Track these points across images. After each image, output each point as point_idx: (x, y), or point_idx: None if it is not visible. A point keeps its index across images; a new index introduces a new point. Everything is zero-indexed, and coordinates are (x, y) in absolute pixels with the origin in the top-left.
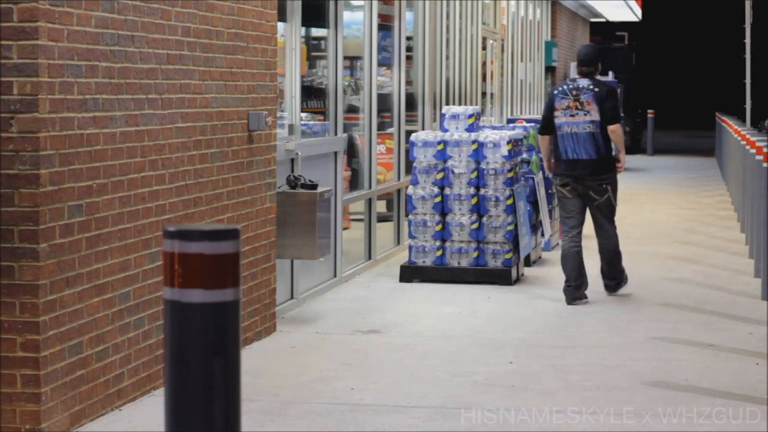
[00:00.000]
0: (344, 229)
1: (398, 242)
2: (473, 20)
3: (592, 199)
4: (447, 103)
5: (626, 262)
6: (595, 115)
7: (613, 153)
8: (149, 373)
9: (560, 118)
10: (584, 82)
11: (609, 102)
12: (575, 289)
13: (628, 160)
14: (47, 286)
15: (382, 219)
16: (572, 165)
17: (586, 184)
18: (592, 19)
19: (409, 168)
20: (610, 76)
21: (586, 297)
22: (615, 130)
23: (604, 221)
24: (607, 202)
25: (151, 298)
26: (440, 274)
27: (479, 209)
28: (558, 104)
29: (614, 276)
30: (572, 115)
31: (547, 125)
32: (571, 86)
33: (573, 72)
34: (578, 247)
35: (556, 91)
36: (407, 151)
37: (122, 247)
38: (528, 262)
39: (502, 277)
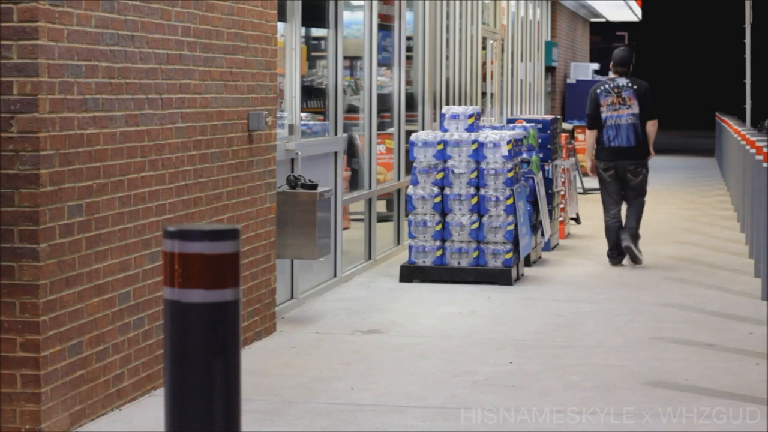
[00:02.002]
0: (344, 229)
1: (398, 242)
2: (473, 20)
3: (628, 180)
4: (447, 103)
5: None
6: (636, 109)
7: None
8: (149, 373)
9: (605, 113)
10: (623, 81)
11: (648, 99)
12: (619, 255)
13: None
14: (47, 286)
15: (382, 219)
16: (615, 151)
17: (625, 167)
18: (592, 19)
19: (409, 168)
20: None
21: (623, 259)
22: (654, 124)
23: (636, 196)
24: (641, 182)
25: (151, 298)
26: (440, 274)
27: (479, 209)
28: (603, 101)
29: (635, 234)
30: (616, 110)
31: (595, 121)
32: (612, 85)
33: (573, 72)
34: (619, 222)
35: (599, 90)
36: (407, 151)
37: (122, 247)
38: (528, 262)
39: (502, 277)
